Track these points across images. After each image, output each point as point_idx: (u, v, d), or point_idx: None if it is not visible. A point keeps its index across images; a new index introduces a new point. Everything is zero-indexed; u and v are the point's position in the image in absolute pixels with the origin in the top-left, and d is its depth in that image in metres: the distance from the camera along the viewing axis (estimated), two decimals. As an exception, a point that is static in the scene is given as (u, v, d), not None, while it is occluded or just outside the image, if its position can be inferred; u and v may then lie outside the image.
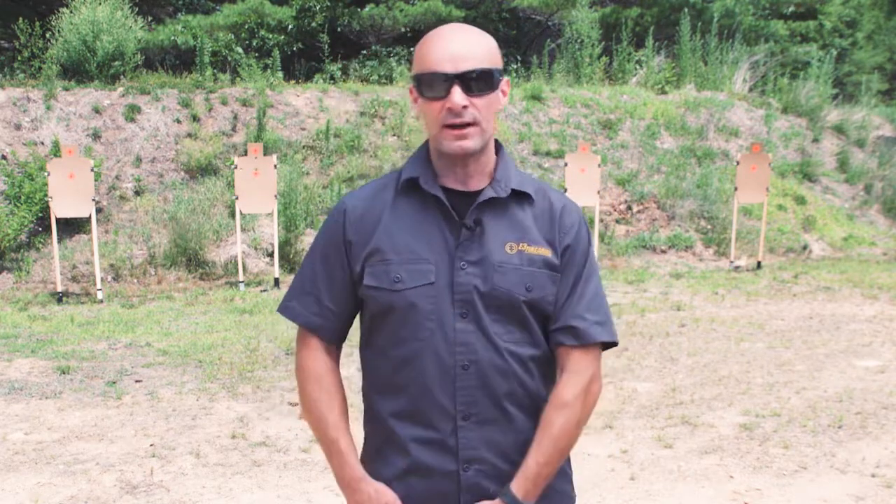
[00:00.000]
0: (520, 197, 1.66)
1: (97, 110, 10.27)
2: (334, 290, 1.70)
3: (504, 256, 1.62)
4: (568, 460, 1.74)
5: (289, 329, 7.00)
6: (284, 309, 1.75)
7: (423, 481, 1.65)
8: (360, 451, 1.76)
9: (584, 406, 1.66)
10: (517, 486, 1.63)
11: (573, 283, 1.68)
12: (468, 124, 1.57)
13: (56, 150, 9.23)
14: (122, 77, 11.01)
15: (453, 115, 1.56)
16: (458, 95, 1.55)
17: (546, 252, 1.65)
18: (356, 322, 1.78)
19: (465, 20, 15.28)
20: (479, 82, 1.56)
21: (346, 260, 1.68)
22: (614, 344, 1.72)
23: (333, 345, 1.75)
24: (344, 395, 1.74)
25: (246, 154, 9.09)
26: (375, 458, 1.71)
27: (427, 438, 1.63)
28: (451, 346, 1.61)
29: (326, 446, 1.72)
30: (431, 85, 1.57)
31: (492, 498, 1.63)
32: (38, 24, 11.08)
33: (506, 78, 1.65)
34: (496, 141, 1.70)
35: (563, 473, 1.72)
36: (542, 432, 1.65)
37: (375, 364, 1.69)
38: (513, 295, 1.62)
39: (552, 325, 1.68)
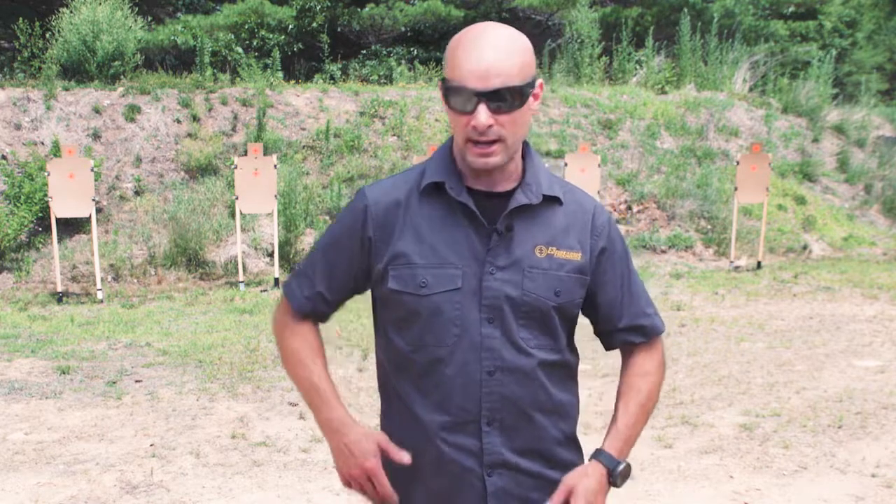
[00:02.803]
0: (550, 200, 1.64)
1: (97, 110, 10.27)
2: (333, 277, 1.70)
3: (534, 260, 1.61)
4: (579, 449, 1.76)
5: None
6: (286, 287, 1.78)
7: (449, 481, 1.64)
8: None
9: (661, 376, 1.76)
10: (610, 446, 1.66)
11: (623, 283, 1.71)
12: (493, 142, 1.53)
13: (56, 150, 9.23)
14: (122, 77, 11.01)
15: (478, 133, 1.51)
16: (483, 115, 1.49)
17: (576, 256, 1.64)
18: (369, 324, 1.79)
19: (465, 20, 15.28)
20: (506, 100, 1.50)
21: (360, 254, 1.66)
22: None
23: (315, 324, 1.78)
24: (325, 354, 1.75)
25: (246, 154, 9.09)
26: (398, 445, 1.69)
27: (452, 442, 1.63)
28: (477, 351, 1.60)
29: (310, 392, 1.71)
30: (458, 97, 1.51)
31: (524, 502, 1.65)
32: (38, 24, 11.08)
33: (539, 80, 1.57)
34: (524, 141, 1.65)
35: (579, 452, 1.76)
36: (628, 396, 1.71)
37: (398, 368, 1.68)
38: (542, 300, 1.61)
39: (613, 326, 1.72)
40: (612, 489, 1.66)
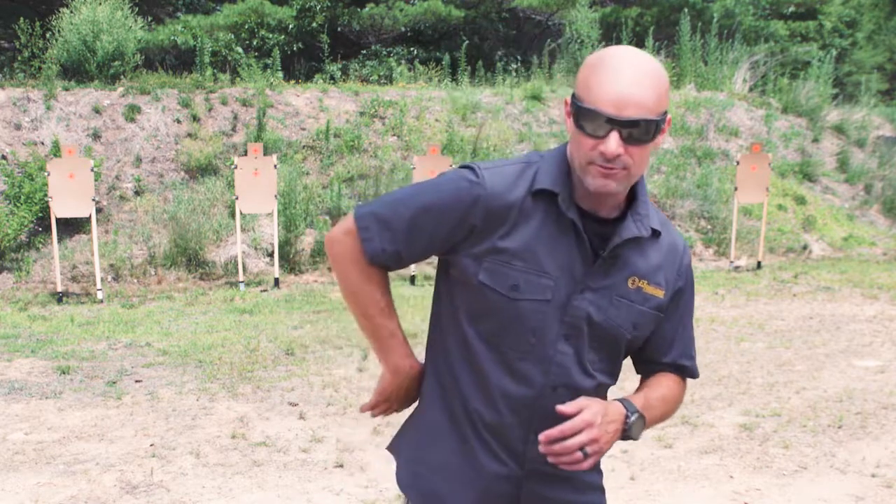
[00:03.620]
0: (653, 233, 1.64)
1: (97, 110, 10.27)
2: (416, 241, 1.61)
3: (624, 290, 1.62)
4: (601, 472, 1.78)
5: (288, 330, 7.00)
6: (364, 223, 1.63)
7: (484, 481, 1.64)
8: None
9: (680, 401, 1.80)
10: (634, 399, 1.66)
11: (683, 323, 1.76)
12: (618, 169, 1.49)
13: (56, 150, 9.23)
14: (122, 77, 11.01)
15: (604, 159, 1.48)
16: (614, 143, 1.45)
17: (661, 293, 1.66)
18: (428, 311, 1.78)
19: (466, 20, 15.29)
20: (639, 132, 1.46)
21: (456, 234, 1.59)
22: None
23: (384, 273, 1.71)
24: (391, 296, 1.71)
25: (246, 154, 9.08)
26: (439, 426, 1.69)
27: (496, 439, 1.63)
28: (548, 365, 1.59)
29: (385, 338, 1.69)
30: (591, 121, 1.47)
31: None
32: (38, 24, 11.08)
33: (668, 116, 1.52)
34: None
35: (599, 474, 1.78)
36: (652, 386, 1.73)
37: (461, 351, 1.65)
38: (621, 330, 1.62)
39: (657, 357, 1.75)
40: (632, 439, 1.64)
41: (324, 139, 10.82)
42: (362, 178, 10.53)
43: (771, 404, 5.13)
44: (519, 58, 15.47)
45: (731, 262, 10.14)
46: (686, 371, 1.78)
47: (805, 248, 11.17)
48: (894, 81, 22.42)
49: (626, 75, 1.45)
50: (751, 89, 14.95)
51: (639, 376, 1.81)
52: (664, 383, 1.75)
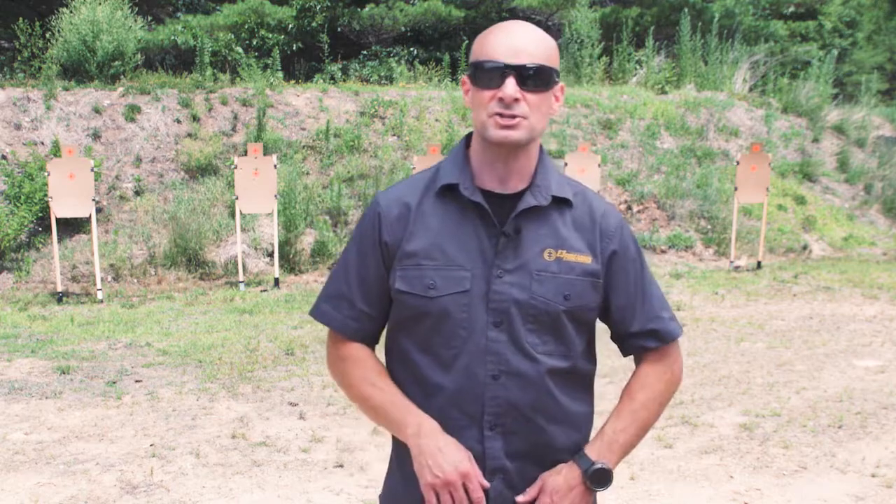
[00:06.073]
0: (559, 202, 1.63)
1: (97, 110, 10.27)
2: (369, 292, 1.65)
3: (542, 264, 1.59)
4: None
5: (288, 330, 7.00)
6: (319, 314, 1.70)
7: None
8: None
9: (668, 387, 1.71)
10: (590, 449, 1.63)
11: (636, 286, 1.68)
12: (517, 116, 1.54)
13: (56, 150, 9.23)
14: (122, 77, 11.01)
15: (503, 105, 1.53)
16: (510, 87, 1.52)
17: (586, 259, 1.62)
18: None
19: (466, 20, 15.29)
20: (534, 78, 1.54)
21: (381, 261, 1.63)
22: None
23: (369, 347, 1.71)
24: (388, 373, 1.68)
25: (246, 154, 9.09)
26: (405, 456, 1.66)
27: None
28: (483, 355, 1.58)
29: (387, 408, 1.63)
30: (486, 73, 1.54)
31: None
32: (38, 24, 11.08)
33: (561, 83, 1.62)
34: (539, 145, 1.66)
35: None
36: (622, 403, 1.68)
37: (401, 368, 1.66)
38: (551, 304, 1.59)
39: (626, 329, 1.69)
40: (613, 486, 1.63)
41: (324, 139, 10.83)
42: (362, 178, 10.54)
43: (771, 404, 5.13)
44: (519, 58, 15.45)
45: (731, 262, 10.14)
46: (660, 334, 1.69)
47: (805, 248, 11.18)
48: (894, 81, 22.42)
49: (517, 31, 1.57)
50: (751, 89, 14.95)
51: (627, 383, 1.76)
52: (631, 392, 1.69)
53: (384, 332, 1.71)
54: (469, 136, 1.67)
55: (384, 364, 1.70)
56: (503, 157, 1.59)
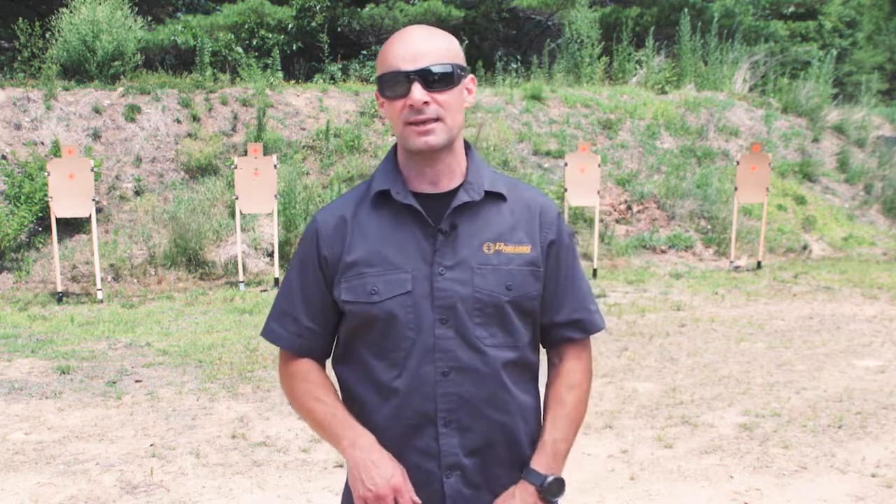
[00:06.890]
0: (493, 196, 1.66)
1: (97, 110, 10.27)
2: (314, 308, 1.69)
3: (482, 258, 1.62)
4: None
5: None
6: (268, 332, 1.74)
7: (414, 486, 1.63)
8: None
9: (589, 383, 1.75)
10: (537, 463, 1.65)
11: (567, 276, 1.71)
12: (431, 120, 1.56)
13: (56, 150, 9.23)
14: (122, 77, 11.01)
15: (415, 112, 1.55)
16: (417, 92, 1.54)
17: (525, 250, 1.65)
18: None
19: (466, 20, 15.30)
20: (439, 79, 1.55)
21: (322, 277, 1.67)
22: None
23: (319, 362, 1.74)
24: (334, 389, 1.72)
25: (246, 154, 9.09)
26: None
27: (412, 446, 1.63)
28: (431, 353, 1.60)
29: (329, 422, 1.65)
30: (392, 84, 1.56)
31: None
32: (38, 24, 11.08)
33: (471, 76, 1.65)
34: (465, 142, 1.69)
35: None
36: (554, 410, 1.69)
37: (358, 376, 1.67)
38: (495, 296, 1.61)
39: (550, 318, 1.70)
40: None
41: (324, 139, 10.83)
42: (362, 178, 10.53)
43: (771, 404, 5.13)
44: (519, 58, 15.48)
45: (731, 262, 10.14)
46: (583, 325, 1.72)
47: (805, 248, 11.18)
48: (894, 81, 22.42)
49: (414, 37, 1.58)
50: (751, 89, 14.96)
51: (551, 372, 1.76)
52: (561, 396, 1.70)
53: (342, 342, 1.72)
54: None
55: (331, 379, 1.72)
56: (429, 162, 1.62)
